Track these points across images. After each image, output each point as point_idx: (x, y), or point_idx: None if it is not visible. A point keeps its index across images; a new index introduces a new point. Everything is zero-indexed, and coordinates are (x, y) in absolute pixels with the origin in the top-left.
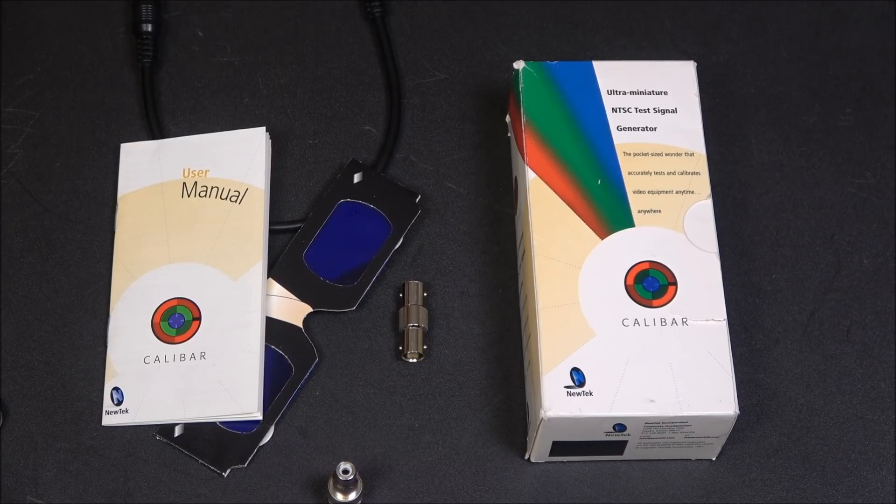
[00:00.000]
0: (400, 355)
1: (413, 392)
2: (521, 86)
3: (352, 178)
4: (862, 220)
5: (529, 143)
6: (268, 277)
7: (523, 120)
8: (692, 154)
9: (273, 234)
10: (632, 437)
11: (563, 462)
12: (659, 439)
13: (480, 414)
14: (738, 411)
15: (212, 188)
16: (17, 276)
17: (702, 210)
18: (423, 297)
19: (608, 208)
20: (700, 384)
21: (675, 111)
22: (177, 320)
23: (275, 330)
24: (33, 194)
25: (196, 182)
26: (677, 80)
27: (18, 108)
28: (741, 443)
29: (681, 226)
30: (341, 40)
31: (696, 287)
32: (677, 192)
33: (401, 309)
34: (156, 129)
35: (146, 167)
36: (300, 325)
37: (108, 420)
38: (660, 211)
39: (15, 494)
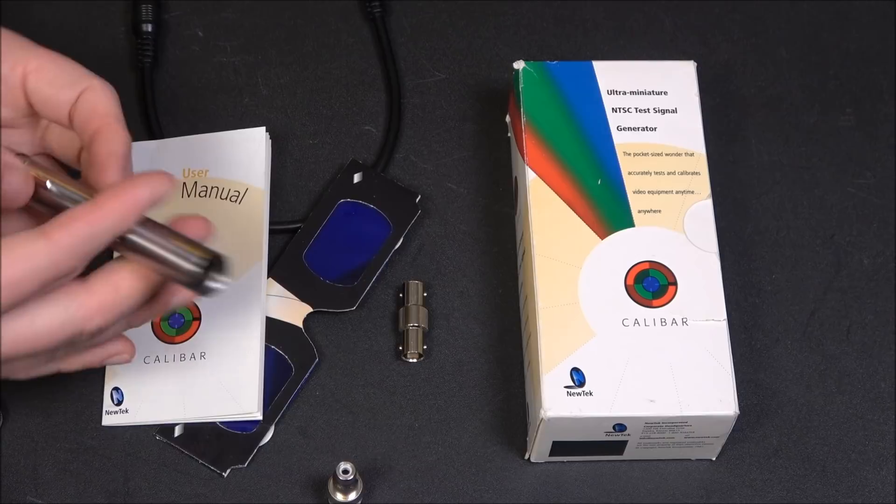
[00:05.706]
0: (400, 355)
1: (413, 392)
2: (521, 86)
3: (352, 178)
4: (862, 220)
5: (529, 143)
6: (268, 277)
7: (523, 120)
8: (692, 154)
9: (273, 234)
10: (632, 437)
11: (563, 462)
12: (659, 439)
13: (480, 414)
14: (738, 411)
15: (212, 188)
16: None
17: (702, 210)
18: (423, 297)
19: (608, 208)
20: (700, 384)
21: (675, 111)
22: (177, 320)
23: (275, 330)
24: None
25: (196, 182)
26: (677, 80)
27: None
28: (741, 443)
29: (681, 226)
30: (341, 40)
31: (696, 287)
32: (677, 192)
33: (401, 309)
34: (155, 129)
35: (146, 167)
36: (300, 325)
37: (108, 420)
38: (660, 211)
39: (15, 494)
